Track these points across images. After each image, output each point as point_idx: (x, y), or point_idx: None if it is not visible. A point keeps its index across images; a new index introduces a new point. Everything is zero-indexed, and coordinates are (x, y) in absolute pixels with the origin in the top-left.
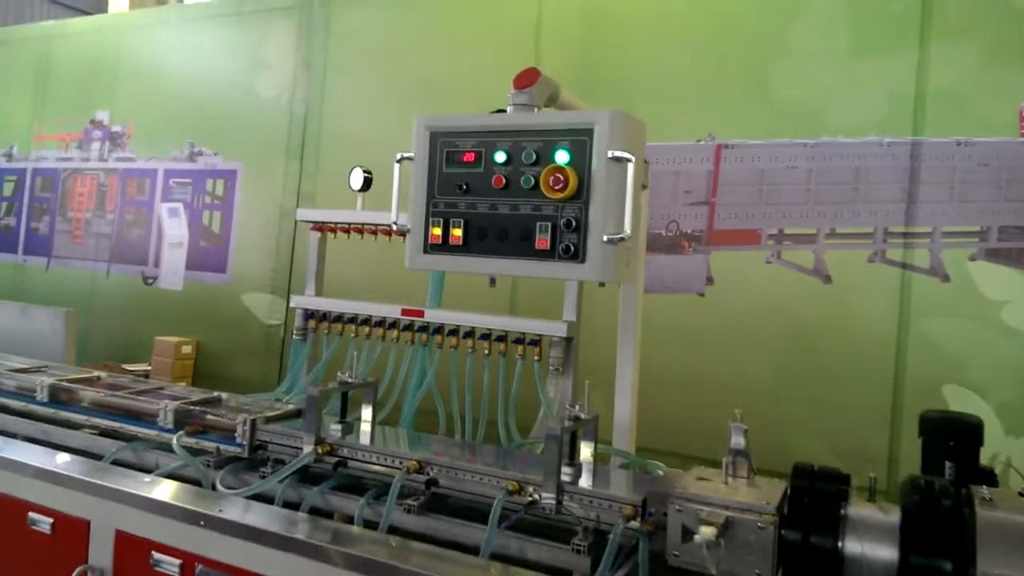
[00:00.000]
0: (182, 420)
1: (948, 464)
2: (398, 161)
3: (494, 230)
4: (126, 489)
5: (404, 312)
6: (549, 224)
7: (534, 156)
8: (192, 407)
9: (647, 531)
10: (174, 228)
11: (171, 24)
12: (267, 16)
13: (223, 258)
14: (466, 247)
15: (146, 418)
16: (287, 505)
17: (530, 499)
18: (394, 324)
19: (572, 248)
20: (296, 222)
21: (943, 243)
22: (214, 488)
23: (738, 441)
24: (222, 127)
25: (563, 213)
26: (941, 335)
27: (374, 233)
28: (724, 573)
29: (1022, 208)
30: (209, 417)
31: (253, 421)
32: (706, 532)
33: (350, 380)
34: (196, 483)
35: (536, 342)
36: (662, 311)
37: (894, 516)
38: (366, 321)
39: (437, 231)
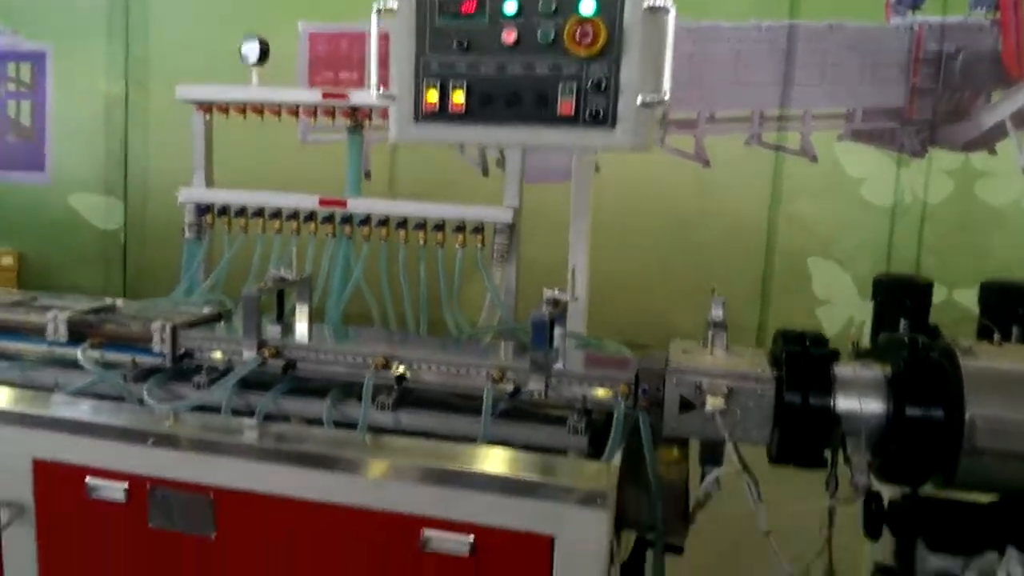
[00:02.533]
0: (79, 331)
1: (903, 321)
2: (377, 12)
3: (503, 94)
4: (43, 413)
5: (323, 202)
6: (574, 84)
7: (553, 6)
8: (87, 316)
9: (644, 407)
10: None
11: None
12: None
13: (39, 154)
14: (470, 114)
15: (26, 332)
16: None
17: (514, 386)
18: (311, 216)
19: (601, 112)
20: (127, 112)
21: (813, 125)
22: (141, 403)
23: (717, 313)
24: (22, 0)
25: (589, 72)
26: (808, 213)
27: (277, 114)
28: (736, 438)
29: (884, 90)
30: (111, 326)
31: (174, 327)
32: (715, 402)
33: (287, 277)
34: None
35: (479, 230)
36: (552, 200)
37: (878, 371)
38: (276, 214)
39: (433, 96)
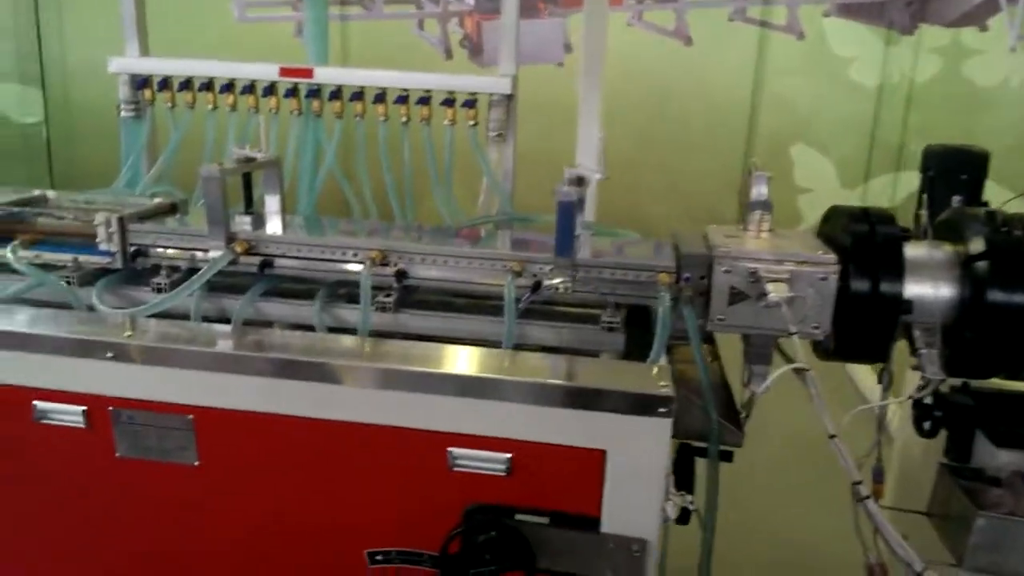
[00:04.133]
0: (4, 228)
1: (956, 198)
2: None
3: None
4: None
5: (284, 72)
6: None
7: None
8: (13, 209)
9: (688, 299)
10: None
11: None
12: None
13: None
14: None
15: None
16: (207, 322)
17: (535, 281)
18: (270, 90)
19: None
20: None
21: None
22: (91, 310)
23: (761, 192)
24: None
25: None
26: (793, 94)
27: None
28: (801, 333)
29: None
30: (44, 221)
31: (121, 220)
32: (779, 289)
33: (255, 156)
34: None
35: (472, 103)
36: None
37: (950, 252)
38: (228, 88)
39: None
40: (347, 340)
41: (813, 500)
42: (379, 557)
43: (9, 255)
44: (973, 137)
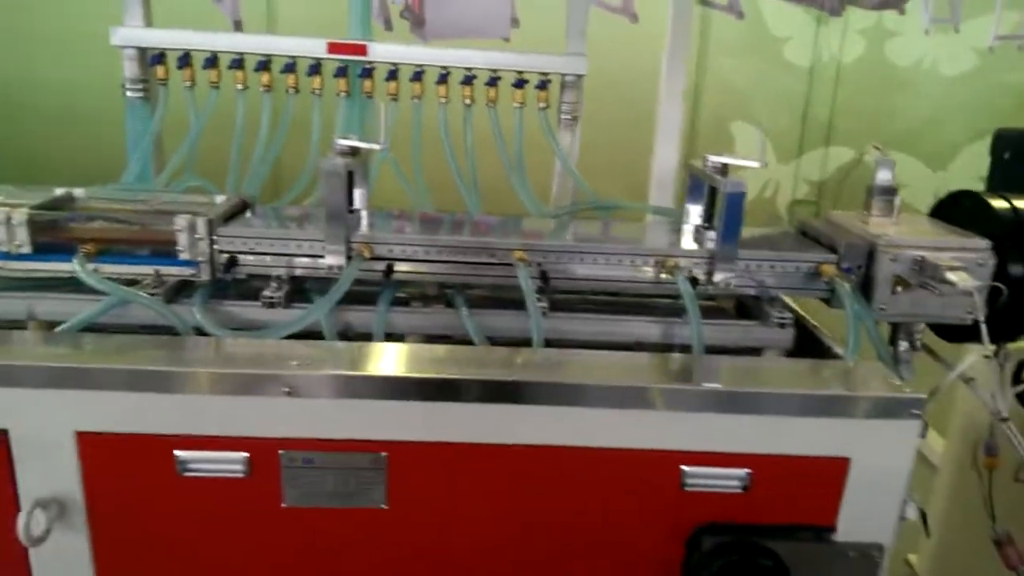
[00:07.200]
0: (45, 236)
1: None
2: None
3: None
4: (81, 363)
5: (333, 48)
6: None
7: None
8: (53, 212)
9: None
10: None
11: None
12: None
13: None
14: None
15: None
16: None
17: (692, 276)
18: (316, 68)
19: None
20: None
21: None
22: (201, 334)
23: (885, 176)
24: None
25: None
26: (733, 73)
27: None
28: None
29: None
30: (103, 227)
31: (210, 223)
32: (963, 278)
33: (359, 145)
34: (152, 332)
35: (544, 84)
36: None
37: None
38: (265, 65)
39: None
40: (552, 352)
41: None
42: None
43: (79, 270)
44: (894, 114)
